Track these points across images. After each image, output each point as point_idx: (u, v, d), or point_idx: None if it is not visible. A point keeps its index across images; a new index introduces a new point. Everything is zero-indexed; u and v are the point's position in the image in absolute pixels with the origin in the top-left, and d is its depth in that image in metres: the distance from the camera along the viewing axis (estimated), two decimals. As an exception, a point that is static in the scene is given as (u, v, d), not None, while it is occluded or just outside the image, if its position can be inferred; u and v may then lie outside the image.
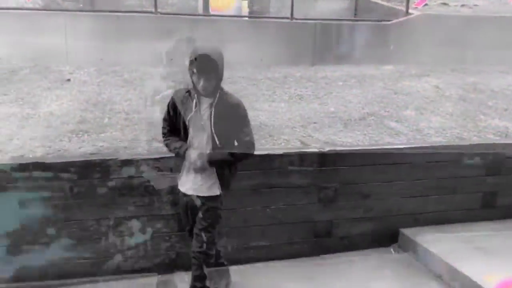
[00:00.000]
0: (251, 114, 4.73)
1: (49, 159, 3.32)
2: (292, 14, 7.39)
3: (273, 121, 4.61)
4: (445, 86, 6.16)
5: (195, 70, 2.62)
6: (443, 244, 3.77)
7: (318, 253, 3.83)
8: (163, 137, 2.91)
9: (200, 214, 2.87)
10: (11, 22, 6.39)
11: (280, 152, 3.66)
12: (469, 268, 3.34)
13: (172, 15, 7.32)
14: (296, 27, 7.38)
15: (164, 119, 2.89)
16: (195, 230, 2.90)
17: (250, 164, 3.40)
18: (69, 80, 5.43)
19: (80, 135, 3.94)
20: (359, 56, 7.16)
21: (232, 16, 7.97)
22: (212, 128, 2.73)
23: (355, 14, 8.95)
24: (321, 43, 7.24)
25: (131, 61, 6.23)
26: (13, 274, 3.22)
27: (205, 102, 2.75)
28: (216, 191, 2.86)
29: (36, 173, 3.15)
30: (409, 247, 3.95)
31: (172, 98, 2.82)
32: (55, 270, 3.29)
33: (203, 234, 2.85)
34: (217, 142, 2.74)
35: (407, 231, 4.01)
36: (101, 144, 3.76)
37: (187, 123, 2.76)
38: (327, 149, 3.78)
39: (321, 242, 3.85)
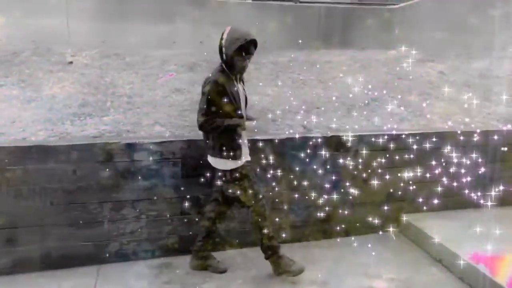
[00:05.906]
0: (254, 99, 4.74)
1: (52, 142, 3.33)
2: (296, -3, 7.28)
3: (276, 106, 4.58)
4: (450, 71, 6.09)
5: (244, 53, 3.02)
6: (443, 230, 3.78)
7: (319, 238, 3.87)
8: (207, 121, 3.02)
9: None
10: (10, 2, 6.31)
11: (284, 137, 3.66)
12: (468, 252, 3.38)
13: (174, -3, 7.21)
14: (300, 10, 7.27)
15: (207, 107, 3.00)
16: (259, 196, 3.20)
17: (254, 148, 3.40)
18: (71, 62, 5.37)
19: (83, 118, 3.92)
20: (364, 41, 7.06)
21: (235, -1, 7.84)
22: (246, 99, 3.30)
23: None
24: (326, 27, 7.15)
25: (133, 44, 6.17)
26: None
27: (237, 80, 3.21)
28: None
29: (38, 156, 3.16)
30: (410, 232, 3.97)
31: (217, 85, 3.00)
32: (59, 253, 3.33)
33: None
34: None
35: (409, 217, 4.03)
36: (104, 127, 3.75)
37: (234, 100, 3.07)
38: (330, 134, 3.78)
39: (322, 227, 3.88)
